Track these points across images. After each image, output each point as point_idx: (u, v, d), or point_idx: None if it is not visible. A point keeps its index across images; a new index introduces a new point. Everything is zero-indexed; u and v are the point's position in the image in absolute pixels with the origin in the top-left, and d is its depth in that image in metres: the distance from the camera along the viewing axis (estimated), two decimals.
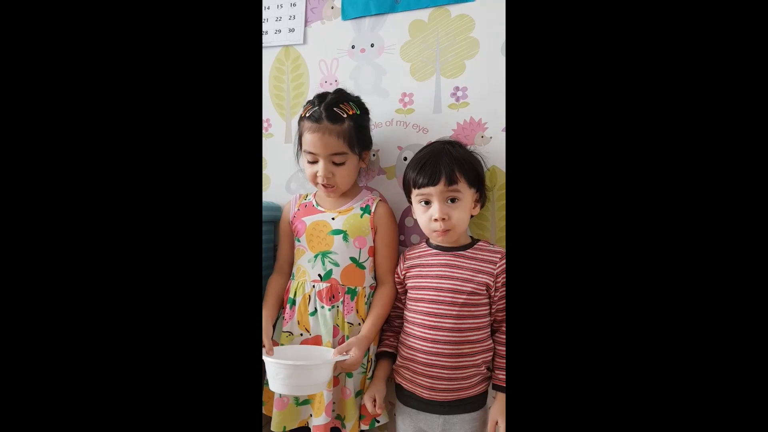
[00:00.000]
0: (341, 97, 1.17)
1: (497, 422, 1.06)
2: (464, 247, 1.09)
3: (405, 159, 1.25)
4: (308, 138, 1.13)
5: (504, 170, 1.15)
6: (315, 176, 1.16)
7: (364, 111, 1.20)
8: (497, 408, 1.07)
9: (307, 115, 1.14)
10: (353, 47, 1.31)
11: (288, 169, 1.38)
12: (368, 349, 1.13)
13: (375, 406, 1.10)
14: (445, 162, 1.03)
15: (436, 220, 1.03)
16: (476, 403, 1.08)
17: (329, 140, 1.11)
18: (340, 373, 1.11)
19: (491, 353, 1.07)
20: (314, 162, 1.15)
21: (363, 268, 1.16)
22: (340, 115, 1.12)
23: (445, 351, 1.02)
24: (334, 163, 1.14)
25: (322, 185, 1.16)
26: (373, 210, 1.17)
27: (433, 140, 1.21)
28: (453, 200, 1.04)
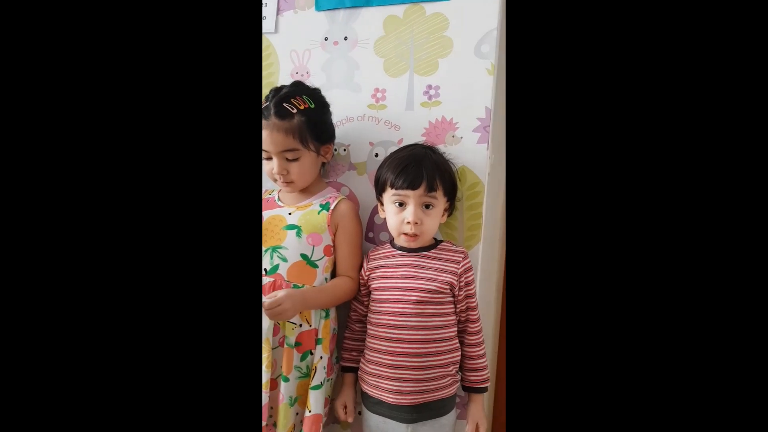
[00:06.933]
0: (296, 90, 1.14)
1: (477, 424, 1.08)
2: (428, 248, 1.10)
3: (376, 155, 1.24)
4: (262, 135, 1.12)
5: (473, 171, 1.15)
6: (271, 173, 1.15)
7: (322, 104, 1.17)
8: (476, 410, 1.08)
9: None
10: (326, 39, 1.28)
11: None
12: (313, 356, 1.10)
13: (345, 413, 1.12)
14: (428, 167, 1.04)
15: (408, 222, 1.04)
16: (444, 408, 1.07)
17: (277, 137, 1.09)
18: (275, 348, 1.07)
19: (459, 354, 1.08)
20: (269, 158, 1.14)
21: (315, 266, 1.12)
22: (290, 111, 1.10)
23: (411, 350, 1.02)
24: (287, 159, 1.12)
25: (281, 182, 1.15)
26: (332, 207, 1.15)
27: (404, 138, 1.20)
28: (428, 206, 1.05)
